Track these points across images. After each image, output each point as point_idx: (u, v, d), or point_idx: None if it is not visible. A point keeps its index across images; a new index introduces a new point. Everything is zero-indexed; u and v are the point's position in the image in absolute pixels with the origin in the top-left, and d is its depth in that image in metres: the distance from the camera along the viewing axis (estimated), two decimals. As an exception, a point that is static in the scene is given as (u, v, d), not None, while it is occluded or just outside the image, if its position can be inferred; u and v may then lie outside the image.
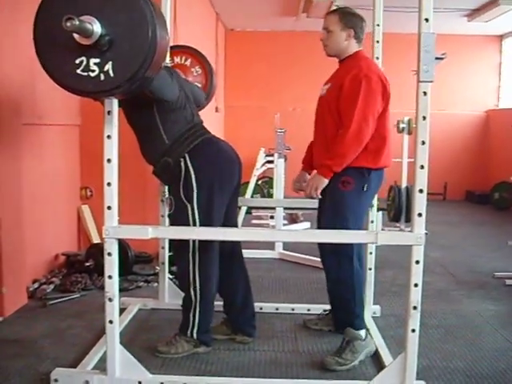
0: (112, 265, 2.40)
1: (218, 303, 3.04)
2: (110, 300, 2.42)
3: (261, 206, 6.64)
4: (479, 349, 3.05)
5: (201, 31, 7.07)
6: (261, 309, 3.47)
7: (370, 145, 2.75)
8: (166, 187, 3.11)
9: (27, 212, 3.63)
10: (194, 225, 2.73)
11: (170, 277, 3.65)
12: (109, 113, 2.32)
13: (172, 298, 3.51)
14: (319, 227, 3.02)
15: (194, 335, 2.86)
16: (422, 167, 2.29)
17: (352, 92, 2.71)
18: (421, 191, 2.30)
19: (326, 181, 2.76)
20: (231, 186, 2.90)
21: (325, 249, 2.94)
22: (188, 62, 3.48)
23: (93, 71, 2.03)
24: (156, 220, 3.48)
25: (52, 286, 3.82)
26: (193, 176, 2.73)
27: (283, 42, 9.41)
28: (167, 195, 2.99)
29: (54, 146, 4.20)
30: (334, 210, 2.84)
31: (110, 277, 2.41)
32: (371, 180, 2.82)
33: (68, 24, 1.87)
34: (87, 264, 4.11)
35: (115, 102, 2.33)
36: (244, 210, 5.63)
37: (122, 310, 3.18)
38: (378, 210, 3.50)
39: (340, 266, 2.88)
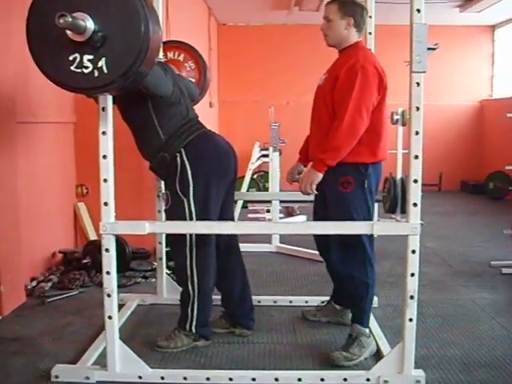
0: (110, 261, 2.41)
1: (217, 297, 3.05)
2: (109, 296, 2.43)
3: (257, 200, 6.66)
4: (476, 337, 3.07)
5: (193, 26, 7.06)
6: (259, 302, 3.49)
7: (365, 139, 2.69)
8: (163, 182, 3.11)
9: (23, 210, 3.63)
10: (191, 219, 2.74)
11: (168, 272, 3.66)
12: (103, 109, 2.33)
13: (170, 293, 3.52)
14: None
15: (193, 329, 2.87)
16: (417, 157, 2.31)
17: (347, 83, 2.65)
18: (415, 181, 2.31)
19: (321, 175, 2.69)
20: (227, 180, 2.90)
21: (335, 245, 2.89)
22: (181, 57, 3.47)
23: (86, 67, 2.03)
24: (152, 215, 3.49)
25: (50, 284, 3.83)
26: (189, 171, 2.73)
27: (276, 36, 9.39)
28: (163, 190, 2.99)
29: (48, 143, 4.19)
30: (340, 213, 2.73)
31: (108, 273, 2.42)
32: (370, 175, 2.77)
33: (61, 21, 1.88)
34: (84, 261, 4.12)
35: (109, 98, 2.34)
36: (240, 204, 5.64)
37: (120, 306, 3.19)
38: (374, 201, 3.52)
39: (355, 256, 2.82)
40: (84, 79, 2.05)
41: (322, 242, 3.03)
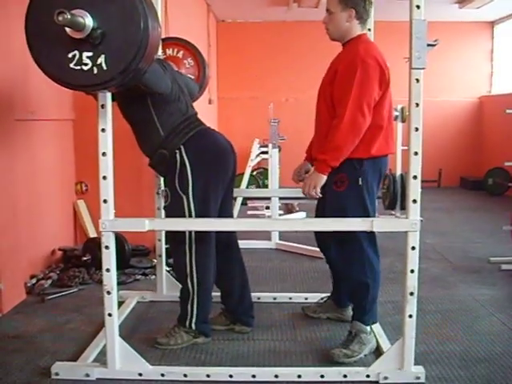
0: (110, 258, 2.42)
1: (216, 294, 3.05)
2: (109, 293, 2.43)
3: (256, 197, 6.64)
4: (475, 333, 3.08)
5: (192, 23, 7.04)
6: (259, 298, 3.49)
7: (363, 134, 2.60)
8: (162, 179, 3.11)
9: (23, 208, 3.63)
10: (190, 216, 2.74)
11: (168, 269, 3.66)
12: (102, 106, 2.33)
13: (170, 290, 3.52)
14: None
15: (193, 326, 2.88)
16: (416, 153, 2.31)
17: (347, 78, 2.56)
18: (415, 177, 2.31)
19: (325, 177, 2.63)
20: (226, 177, 2.90)
21: (332, 244, 2.86)
22: (180, 54, 3.47)
23: (86, 65, 2.03)
24: (152, 213, 3.48)
25: (50, 281, 3.83)
26: (188, 168, 2.73)
27: (275, 33, 9.38)
28: (163, 187, 2.99)
29: (47, 141, 4.19)
30: (334, 213, 2.69)
31: (107, 270, 2.42)
32: (366, 171, 2.68)
33: (60, 18, 1.87)
34: (84, 258, 4.12)
35: (109, 95, 2.34)
36: (239, 201, 5.64)
37: (120, 303, 3.19)
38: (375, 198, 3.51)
39: (352, 255, 2.79)
40: (83, 76, 2.05)
41: (321, 238, 3.02)
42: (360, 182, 2.68)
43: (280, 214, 6.04)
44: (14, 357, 2.74)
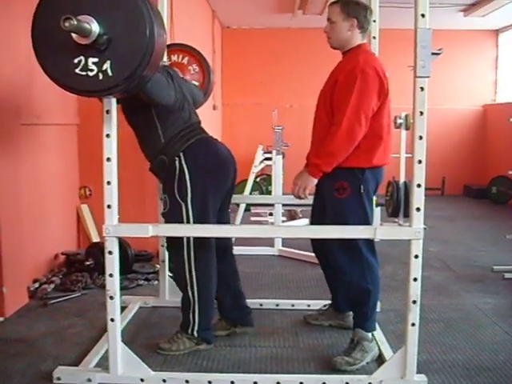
0: (113, 263, 2.42)
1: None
2: (112, 298, 2.43)
3: (259, 203, 6.65)
4: (478, 342, 3.07)
5: (197, 29, 7.07)
6: (261, 305, 3.49)
7: (363, 143, 2.64)
8: (161, 185, 3.12)
9: (26, 212, 3.64)
10: (189, 223, 2.74)
11: (170, 274, 3.65)
12: (107, 112, 2.33)
13: (172, 295, 3.52)
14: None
15: (195, 333, 2.87)
16: (420, 162, 2.30)
17: (346, 88, 2.59)
18: (419, 186, 2.31)
19: (315, 181, 2.67)
20: (225, 186, 2.91)
21: (331, 251, 2.84)
22: (185, 60, 3.48)
23: (91, 70, 2.04)
24: (155, 218, 3.48)
25: (52, 286, 3.83)
26: (187, 175, 2.73)
27: (279, 39, 9.40)
28: (162, 194, 2.99)
29: (52, 145, 4.20)
30: (335, 219, 2.70)
31: (110, 275, 2.42)
32: (366, 180, 2.72)
33: (66, 24, 1.88)
34: (87, 263, 4.12)
35: (114, 100, 2.34)
36: (243, 207, 5.64)
37: (122, 309, 3.17)
38: (377, 205, 3.51)
39: (352, 261, 2.79)
40: (88, 82, 2.06)
41: (317, 245, 3.01)
42: (362, 190, 2.72)
43: (283, 221, 6.04)
44: (16, 361, 2.75)
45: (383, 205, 6.15)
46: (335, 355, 2.77)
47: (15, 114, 3.50)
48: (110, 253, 2.41)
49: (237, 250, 4.90)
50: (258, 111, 9.22)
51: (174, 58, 3.47)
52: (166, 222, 2.84)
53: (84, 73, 2.05)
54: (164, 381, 2.51)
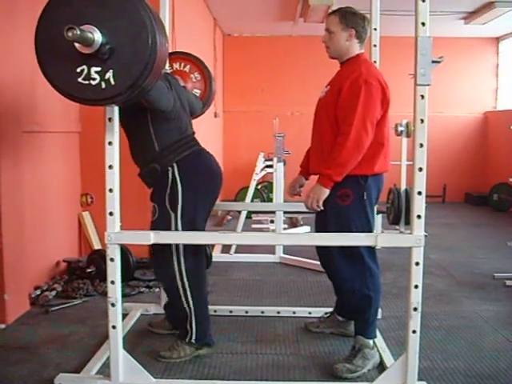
0: (114, 270, 2.42)
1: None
2: (113, 305, 2.43)
3: (261, 211, 6.66)
4: (480, 349, 3.07)
5: (199, 37, 7.10)
6: (262, 312, 3.49)
7: (366, 151, 2.66)
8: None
9: (28, 219, 3.65)
10: None
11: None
12: (110, 120, 2.34)
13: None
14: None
15: (194, 341, 2.87)
16: (421, 169, 2.31)
17: (351, 98, 2.63)
18: (419, 193, 2.32)
19: (328, 191, 2.68)
20: (213, 199, 2.95)
21: (333, 257, 2.85)
22: (187, 69, 3.49)
23: (94, 79, 2.05)
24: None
25: (54, 293, 3.84)
26: (179, 186, 2.74)
27: (281, 47, 9.44)
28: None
29: (54, 153, 4.22)
30: (339, 226, 2.72)
31: (112, 282, 2.43)
32: (369, 187, 2.75)
33: (69, 34, 1.90)
34: (88, 270, 4.12)
35: (116, 109, 2.36)
36: (244, 214, 5.65)
37: (124, 316, 3.18)
38: (378, 212, 3.52)
39: (354, 268, 2.80)
40: (91, 91, 2.07)
41: (323, 253, 3.02)
42: (365, 197, 2.74)
43: (284, 228, 6.05)
44: (18, 368, 2.75)
45: (384, 212, 6.15)
46: (336, 362, 2.77)
47: (17, 122, 3.51)
48: (112, 260, 2.42)
49: (238, 258, 4.98)
50: (259, 119, 9.25)
51: (176, 66, 3.49)
52: (154, 230, 2.78)
53: (87, 82, 2.06)
54: (165, 388, 2.52)
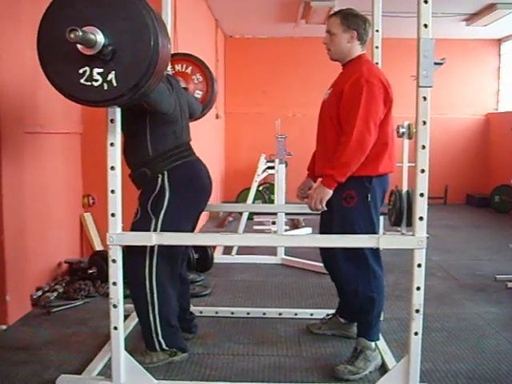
0: (116, 271, 2.42)
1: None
2: (115, 306, 2.43)
3: (262, 212, 6.65)
4: (482, 351, 3.06)
5: (201, 38, 7.11)
6: (264, 314, 3.49)
7: (370, 152, 2.65)
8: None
9: (30, 220, 3.65)
10: None
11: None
12: (112, 121, 2.34)
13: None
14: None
15: (165, 348, 2.82)
16: (423, 171, 2.31)
17: (353, 98, 2.63)
18: (422, 195, 2.32)
19: (331, 192, 2.67)
20: (198, 213, 2.95)
21: (337, 259, 2.83)
22: (189, 70, 3.49)
23: (96, 81, 2.05)
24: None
25: (55, 294, 3.83)
26: (167, 194, 2.72)
27: (282, 49, 9.44)
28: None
29: (56, 154, 4.22)
30: (343, 228, 2.71)
31: (114, 283, 2.42)
32: (374, 188, 2.74)
33: (72, 35, 1.90)
34: (90, 271, 4.12)
35: (118, 110, 2.36)
36: (246, 215, 5.65)
37: (125, 317, 3.18)
38: (380, 214, 3.51)
39: (358, 270, 2.79)
40: (93, 92, 2.07)
41: (326, 254, 3.02)
42: (369, 198, 2.73)
43: (286, 230, 6.04)
44: (19, 369, 2.75)
45: (386, 214, 6.15)
46: (338, 364, 2.77)
47: (19, 123, 3.52)
48: (114, 261, 2.42)
49: (240, 259, 4.98)
50: (260, 120, 9.25)
51: (178, 67, 3.49)
52: (134, 231, 2.74)
53: (89, 83, 2.06)
54: (167, 389, 2.52)
